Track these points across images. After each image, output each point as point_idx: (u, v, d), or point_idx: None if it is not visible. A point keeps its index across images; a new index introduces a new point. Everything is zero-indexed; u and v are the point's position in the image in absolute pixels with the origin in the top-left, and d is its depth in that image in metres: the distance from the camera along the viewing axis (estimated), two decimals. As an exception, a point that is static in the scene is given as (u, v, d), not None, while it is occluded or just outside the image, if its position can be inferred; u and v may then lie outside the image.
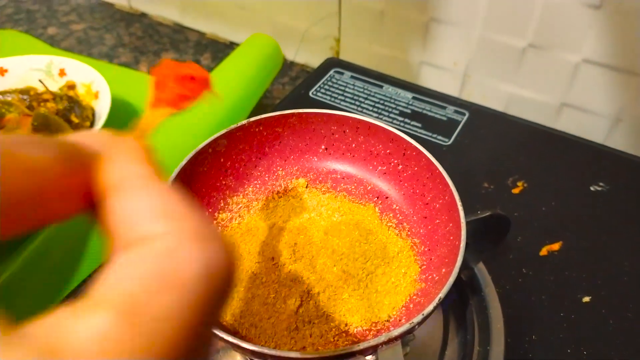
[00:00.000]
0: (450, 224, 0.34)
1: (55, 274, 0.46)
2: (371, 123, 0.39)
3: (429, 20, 0.68)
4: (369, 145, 0.40)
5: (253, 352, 0.28)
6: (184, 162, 0.36)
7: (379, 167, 0.40)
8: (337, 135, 0.41)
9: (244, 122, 0.39)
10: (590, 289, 0.42)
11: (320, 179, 0.41)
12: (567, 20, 0.59)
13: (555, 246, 0.44)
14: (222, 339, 0.27)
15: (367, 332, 0.32)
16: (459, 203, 0.33)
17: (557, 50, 0.62)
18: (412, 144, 0.37)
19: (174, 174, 0.35)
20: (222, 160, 0.39)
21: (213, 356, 0.37)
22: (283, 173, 0.41)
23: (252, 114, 0.65)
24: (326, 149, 0.41)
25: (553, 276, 0.42)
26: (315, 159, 0.42)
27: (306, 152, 0.42)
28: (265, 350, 0.27)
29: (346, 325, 0.32)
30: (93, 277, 0.42)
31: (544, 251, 0.44)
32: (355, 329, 0.32)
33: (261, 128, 0.40)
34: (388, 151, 0.39)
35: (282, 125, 0.40)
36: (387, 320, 0.32)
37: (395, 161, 0.39)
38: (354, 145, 0.41)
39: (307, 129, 0.41)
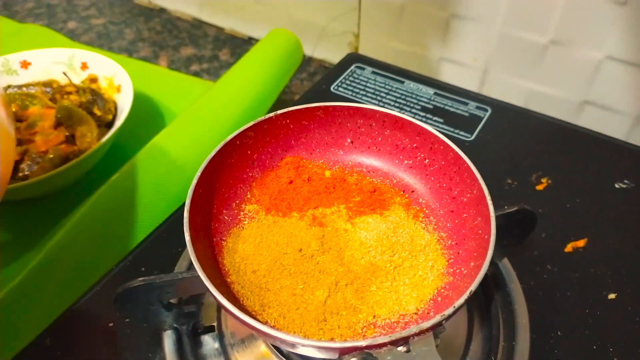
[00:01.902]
0: (479, 218, 0.34)
1: (78, 266, 0.47)
2: (398, 117, 0.39)
3: (449, 16, 0.68)
4: (395, 139, 0.40)
5: (283, 341, 0.28)
6: (212, 153, 0.36)
7: (405, 161, 0.40)
8: (363, 129, 0.41)
9: (271, 114, 0.39)
10: (616, 286, 0.41)
11: (346, 172, 0.41)
12: (590, 16, 0.59)
13: (580, 243, 0.44)
14: (251, 327, 0.27)
15: (395, 324, 0.32)
16: (488, 197, 0.33)
17: (580, 47, 0.62)
18: (439, 138, 0.37)
19: (203, 165, 0.35)
20: (249, 152, 0.39)
21: (238, 345, 0.37)
22: (309, 166, 0.41)
23: (271, 109, 0.65)
24: (352, 142, 0.42)
25: (578, 273, 0.42)
26: (341, 152, 0.42)
27: (332, 145, 0.42)
28: (296, 339, 0.28)
29: (374, 317, 0.32)
30: (115, 270, 0.43)
31: (569, 248, 0.44)
32: (383, 321, 0.32)
33: (288, 121, 0.40)
34: (414, 145, 0.39)
35: (308, 118, 0.40)
36: (415, 313, 0.32)
37: (422, 155, 0.39)
38: (380, 138, 0.41)
39: (333, 122, 0.41)
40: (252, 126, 0.38)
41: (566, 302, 0.41)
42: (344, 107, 0.40)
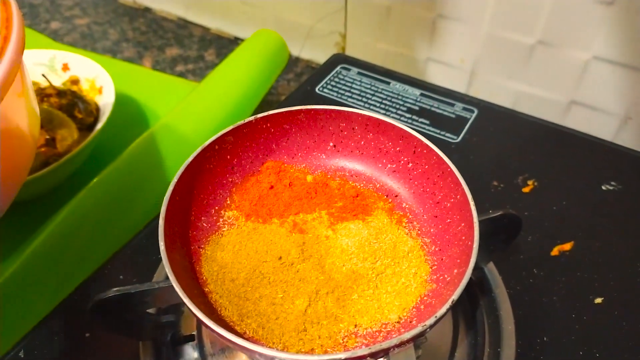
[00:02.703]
0: (462, 224, 0.33)
1: (58, 272, 0.46)
2: (381, 120, 0.38)
3: (436, 17, 0.67)
4: (379, 143, 0.39)
5: (261, 355, 0.27)
6: (190, 158, 0.35)
7: (389, 165, 0.40)
8: (345, 132, 0.40)
9: (251, 118, 0.38)
10: (603, 290, 0.41)
11: (329, 176, 0.40)
12: (577, 17, 0.58)
13: (567, 246, 0.44)
14: (229, 341, 0.27)
15: (377, 333, 0.31)
16: (471, 202, 0.33)
17: (567, 48, 0.61)
18: (422, 142, 0.37)
19: (180, 171, 0.34)
20: (228, 157, 0.38)
21: (218, 356, 0.37)
22: (291, 170, 0.40)
23: (256, 110, 0.64)
24: (334, 146, 0.41)
25: (564, 277, 0.42)
26: (324, 156, 0.41)
27: (314, 149, 0.41)
28: (273, 353, 0.27)
29: (355, 326, 0.31)
30: (93, 278, 0.42)
31: (555, 251, 0.43)
32: (365, 330, 0.31)
33: (268, 125, 0.39)
34: (398, 149, 0.39)
35: (289, 121, 0.40)
36: (398, 322, 0.32)
37: (405, 159, 0.39)
38: (362, 142, 0.40)
39: (315, 126, 0.40)
40: (231, 130, 0.37)
41: (552, 307, 0.40)
42: (325, 110, 0.39)
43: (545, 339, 0.38)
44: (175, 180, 0.33)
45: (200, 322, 0.29)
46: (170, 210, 0.32)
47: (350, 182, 0.39)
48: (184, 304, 0.28)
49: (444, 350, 0.37)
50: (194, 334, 0.37)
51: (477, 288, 0.40)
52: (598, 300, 0.40)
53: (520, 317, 0.39)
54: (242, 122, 0.38)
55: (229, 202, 0.38)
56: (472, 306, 0.40)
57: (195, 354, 0.37)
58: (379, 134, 0.39)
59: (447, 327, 0.38)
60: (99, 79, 0.62)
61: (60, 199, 0.54)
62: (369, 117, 0.39)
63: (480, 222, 0.32)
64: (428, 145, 0.36)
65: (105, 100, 0.59)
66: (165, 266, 0.29)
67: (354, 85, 0.60)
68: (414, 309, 0.32)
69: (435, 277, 0.33)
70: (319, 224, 0.36)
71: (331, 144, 0.41)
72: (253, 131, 0.39)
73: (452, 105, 0.58)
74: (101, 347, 0.37)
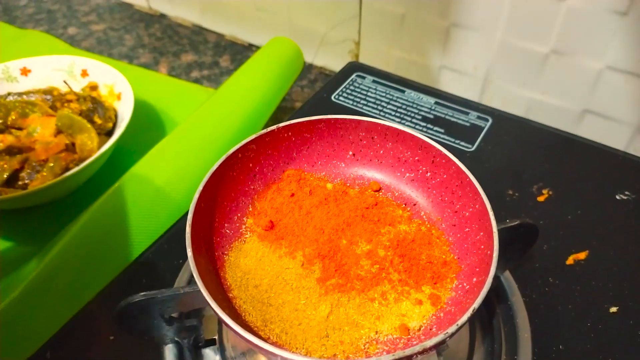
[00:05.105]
0: (481, 233, 0.34)
1: (80, 276, 0.46)
2: (400, 130, 0.39)
3: (450, 25, 0.68)
4: (397, 152, 0.40)
5: (285, 359, 0.28)
6: (214, 167, 0.36)
7: (407, 174, 0.40)
8: (365, 142, 0.41)
9: (273, 127, 0.39)
10: (618, 299, 0.41)
11: (348, 184, 0.41)
12: (591, 27, 0.59)
13: (582, 255, 0.44)
14: (255, 345, 0.27)
15: (398, 340, 0.32)
16: (490, 212, 0.33)
17: (581, 57, 0.62)
18: (441, 152, 0.37)
19: (205, 179, 0.35)
20: (250, 165, 0.39)
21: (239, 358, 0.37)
22: (311, 179, 0.41)
23: (271, 117, 0.65)
24: (354, 154, 0.41)
25: (580, 285, 0.42)
26: (343, 165, 0.42)
27: (334, 158, 0.42)
28: (297, 358, 0.27)
29: (376, 333, 0.32)
30: (117, 282, 0.42)
31: (570, 260, 0.44)
32: (386, 337, 0.32)
33: (290, 134, 0.40)
34: (416, 158, 0.39)
35: (310, 131, 0.40)
36: (418, 329, 0.32)
37: (424, 168, 0.39)
38: (381, 151, 0.41)
39: (335, 135, 0.41)
40: (254, 139, 0.38)
41: (568, 316, 0.40)
42: (345, 119, 0.40)
43: (561, 347, 0.38)
44: (201, 188, 0.34)
45: (227, 328, 0.30)
46: (196, 217, 0.33)
47: (369, 190, 0.40)
48: (210, 309, 0.29)
49: (461, 357, 0.37)
50: (215, 338, 0.38)
51: (494, 296, 0.41)
52: (613, 309, 0.41)
53: (536, 325, 0.39)
54: (264, 130, 0.39)
55: (251, 209, 0.39)
56: (488, 314, 0.40)
57: (217, 358, 0.37)
58: (398, 144, 0.40)
59: (464, 334, 0.39)
60: (117, 85, 0.63)
61: (79, 203, 0.55)
62: (388, 127, 0.40)
63: (498, 231, 0.33)
64: (447, 155, 0.37)
65: (124, 106, 0.60)
66: (194, 272, 0.30)
67: (369, 94, 0.61)
68: (433, 317, 0.33)
69: (454, 285, 0.34)
70: (339, 232, 0.36)
71: (350, 153, 0.41)
72: (275, 140, 0.39)
73: (467, 113, 0.58)
74: (125, 350, 0.38)
